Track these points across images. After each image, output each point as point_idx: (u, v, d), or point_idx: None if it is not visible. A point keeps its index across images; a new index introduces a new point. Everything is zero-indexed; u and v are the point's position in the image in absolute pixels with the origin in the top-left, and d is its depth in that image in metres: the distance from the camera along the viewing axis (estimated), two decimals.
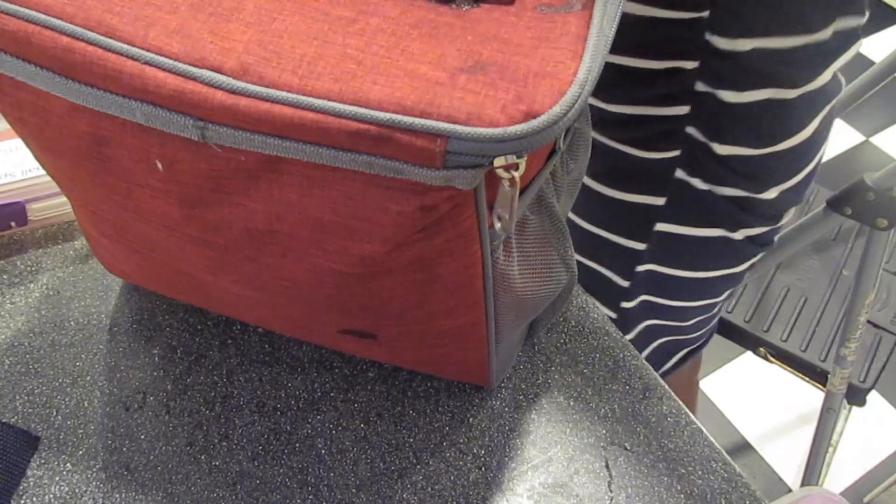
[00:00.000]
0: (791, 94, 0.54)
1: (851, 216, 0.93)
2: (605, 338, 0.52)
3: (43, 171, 0.54)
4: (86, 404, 0.48)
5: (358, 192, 0.30)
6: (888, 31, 2.30)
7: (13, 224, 0.55)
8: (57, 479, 0.45)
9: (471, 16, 0.29)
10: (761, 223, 0.64)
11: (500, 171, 0.28)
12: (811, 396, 1.55)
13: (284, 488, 0.45)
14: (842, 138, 2.04)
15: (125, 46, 0.29)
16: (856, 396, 1.13)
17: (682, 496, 0.45)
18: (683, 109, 0.56)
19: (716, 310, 0.77)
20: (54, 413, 0.48)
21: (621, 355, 0.51)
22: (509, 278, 0.38)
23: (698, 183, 0.60)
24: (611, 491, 0.45)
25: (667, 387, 0.50)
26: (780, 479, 1.44)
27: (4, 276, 0.54)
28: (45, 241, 0.56)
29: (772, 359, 1.15)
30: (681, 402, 0.49)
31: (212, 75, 0.28)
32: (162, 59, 0.29)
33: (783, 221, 0.66)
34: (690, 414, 0.49)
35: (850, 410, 1.49)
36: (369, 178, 0.30)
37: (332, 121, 0.27)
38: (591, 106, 0.58)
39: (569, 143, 0.39)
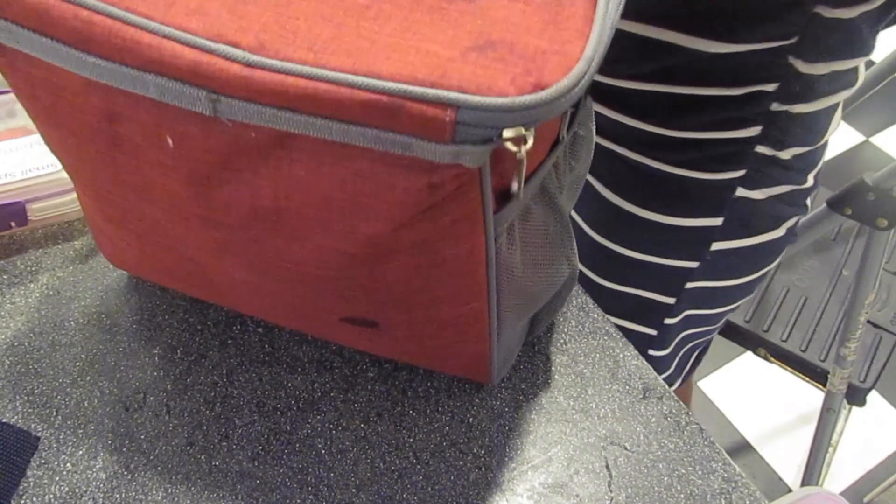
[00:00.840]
0: (847, 94, 0.56)
1: (851, 216, 0.93)
2: (605, 338, 0.52)
3: (43, 171, 0.54)
4: (86, 404, 0.48)
5: (366, 170, 0.31)
6: (888, 31, 2.30)
7: (13, 224, 0.55)
8: (57, 479, 0.45)
9: (480, 2, 0.30)
10: (798, 212, 0.65)
11: (509, 145, 0.28)
12: (811, 396, 1.55)
13: (284, 488, 0.45)
14: (842, 138, 2.04)
15: (145, 21, 0.29)
16: (856, 396, 1.13)
17: (682, 496, 0.45)
18: (755, 130, 0.56)
19: (754, 292, 0.78)
20: (54, 413, 0.48)
21: (621, 355, 0.51)
22: (512, 267, 0.38)
23: (757, 194, 0.59)
24: (611, 491, 0.45)
25: (667, 386, 0.50)
26: (780, 479, 1.44)
27: (4, 276, 0.54)
28: (45, 241, 0.56)
29: (772, 359, 1.15)
30: (681, 403, 0.49)
31: (229, 49, 0.29)
32: (180, 33, 0.29)
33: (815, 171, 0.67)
34: (690, 414, 0.49)
35: (850, 410, 1.49)
36: (378, 156, 0.30)
37: (344, 91, 0.28)
38: (645, 131, 0.58)
39: (571, 138, 0.39)
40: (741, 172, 0.58)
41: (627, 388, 0.50)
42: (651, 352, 0.73)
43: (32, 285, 0.54)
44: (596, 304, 0.54)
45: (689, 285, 0.66)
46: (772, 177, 0.59)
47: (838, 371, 1.09)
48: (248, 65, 0.29)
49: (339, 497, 0.45)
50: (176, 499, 0.44)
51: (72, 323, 0.52)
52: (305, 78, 0.28)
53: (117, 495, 0.44)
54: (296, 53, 0.29)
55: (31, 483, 0.45)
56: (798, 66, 0.52)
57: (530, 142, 0.28)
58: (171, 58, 0.29)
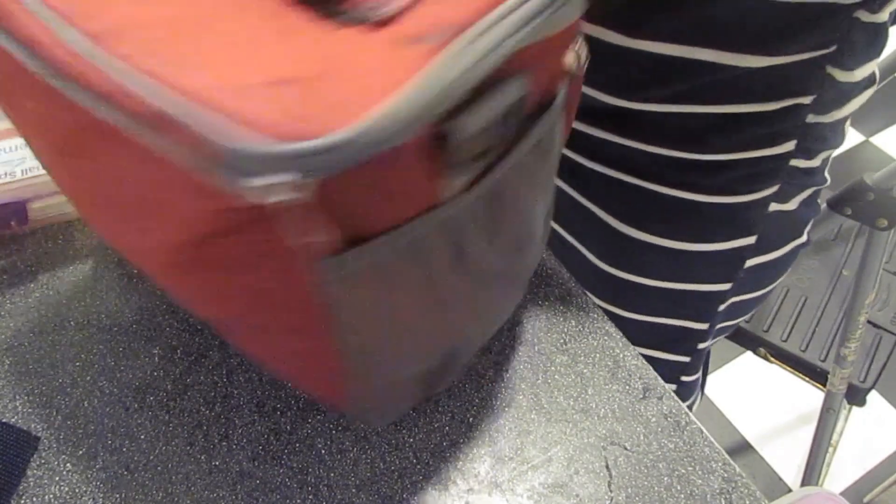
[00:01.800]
0: (871, 92, 0.55)
1: (851, 216, 0.93)
2: (605, 338, 0.52)
3: (43, 171, 0.54)
4: (86, 404, 0.48)
5: (169, 178, 0.30)
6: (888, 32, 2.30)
7: (13, 223, 0.55)
8: (57, 479, 0.45)
9: (335, 35, 0.29)
10: (817, 212, 0.64)
11: (271, 193, 0.26)
12: (811, 396, 1.55)
13: (284, 488, 0.45)
14: None
15: None
16: (856, 396, 1.13)
17: (682, 496, 0.45)
18: (791, 145, 0.54)
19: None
20: (54, 413, 0.48)
21: (621, 355, 0.51)
22: (366, 316, 0.36)
23: (789, 205, 0.58)
24: (611, 491, 0.45)
25: (666, 386, 0.50)
26: (780, 479, 1.44)
27: (4, 277, 0.54)
28: (45, 241, 0.56)
29: (772, 359, 1.16)
30: (681, 403, 0.49)
31: (68, 30, 0.29)
32: (44, 9, 0.29)
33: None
34: (690, 414, 0.49)
35: (850, 410, 1.49)
36: (177, 167, 0.29)
37: (135, 95, 0.27)
38: (669, 157, 0.56)
39: (482, 199, 0.36)
40: (775, 188, 0.57)
41: (627, 388, 0.50)
42: (683, 378, 0.71)
43: (32, 285, 0.54)
44: (596, 305, 0.54)
45: (722, 307, 0.65)
46: (801, 184, 0.58)
47: (838, 371, 1.09)
48: (78, 52, 0.29)
49: (339, 497, 0.45)
50: (176, 499, 0.44)
51: (72, 323, 0.52)
52: (111, 74, 0.28)
53: (117, 495, 0.44)
54: (121, 49, 0.28)
55: (31, 483, 0.45)
56: (836, 74, 0.50)
57: (295, 194, 0.26)
58: (19, 27, 0.29)
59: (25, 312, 0.52)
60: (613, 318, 0.64)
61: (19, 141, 0.56)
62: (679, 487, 0.46)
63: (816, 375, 1.13)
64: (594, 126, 0.58)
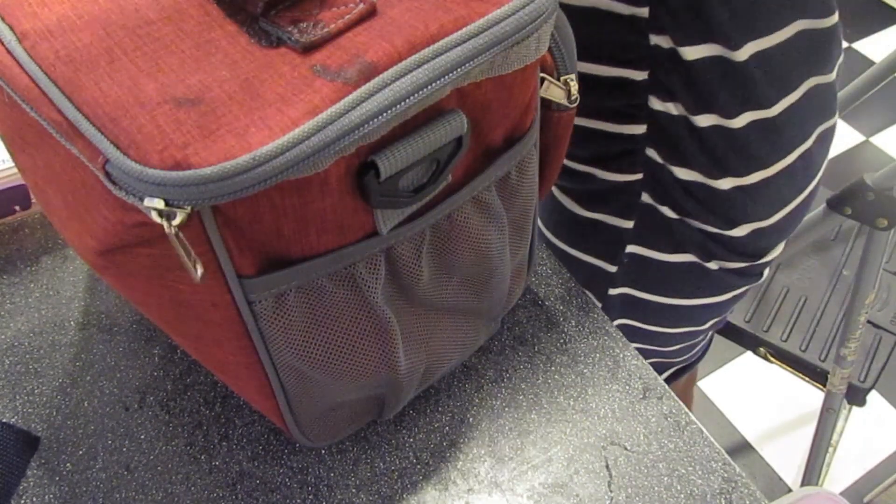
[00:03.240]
0: (771, 113, 0.52)
1: (851, 216, 0.93)
2: (605, 338, 0.52)
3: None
4: (86, 404, 0.48)
5: (93, 184, 0.30)
6: (888, 31, 2.30)
7: (17, 208, 0.56)
8: (57, 479, 0.45)
9: (255, 56, 0.29)
10: (737, 259, 0.61)
11: (154, 216, 0.26)
12: (811, 396, 1.55)
13: (284, 488, 0.45)
14: (842, 138, 2.04)
15: None
16: (856, 396, 1.13)
17: (682, 496, 0.45)
18: (640, 129, 0.54)
19: (700, 337, 0.74)
20: (54, 413, 0.48)
21: (621, 355, 0.51)
22: (293, 338, 0.35)
23: (667, 211, 0.58)
24: (611, 491, 0.45)
25: (667, 386, 0.50)
26: (780, 479, 1.44)
27: (4, 277, 0.54)
28: (45, 241, 0.56)
29: (772, 359, 1.16)
30: (681, 403, 0.49)
31: (3, 26, 0.30)
32: None
33: (768, 258, 0.63)
34: (690, 414, 0.49)
35: (850, 410, 1.49)
36: (93, 174, 0.29)
37: (47, 103, 0.28)
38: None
39: (424, 232, 0.36)
40: (638, 176, 0.57)
41: (627, 388, 0.50)
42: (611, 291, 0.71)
43: (32, 285, 0.54)
44: (596, 305, 0.54)
45: (613, 290, 0.66)
46: (675, 198, 0.57)
47: (838, 371, 1.09)
48: (7, 49, 0.29)
49: (339, 497, 0.45)
50: (176, 499, 0.44)
51: (72, 323, 0.52)
52: (28, 76, 0.28)
53: (117, 495, 0.44)
54: (40, 51, 0.29)
55: (31, 483, 0.45)
56: (662, 44, 0.49)
57: (178, 219, 0.26)
58: None
59: (25, 312, 0.52)
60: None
61: None
62: (679, 487, 0.46)
63: (816, 375, 1.13)
64: None
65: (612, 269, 0.64)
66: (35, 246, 0.56)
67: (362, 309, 0.36)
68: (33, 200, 0.56)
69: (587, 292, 0.55)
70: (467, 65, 0.29)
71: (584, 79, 0.53)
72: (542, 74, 0.38)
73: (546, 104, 0.40)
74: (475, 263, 0.40)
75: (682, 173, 0.55)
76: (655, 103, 0.52)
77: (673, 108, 0.52)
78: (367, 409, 0.45)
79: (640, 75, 0.51)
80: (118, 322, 0.52)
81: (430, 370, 0.45)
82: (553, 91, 0.38)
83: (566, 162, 0.60)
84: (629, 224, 0.60)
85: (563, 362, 0.51)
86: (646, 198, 0.58)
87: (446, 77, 0.29)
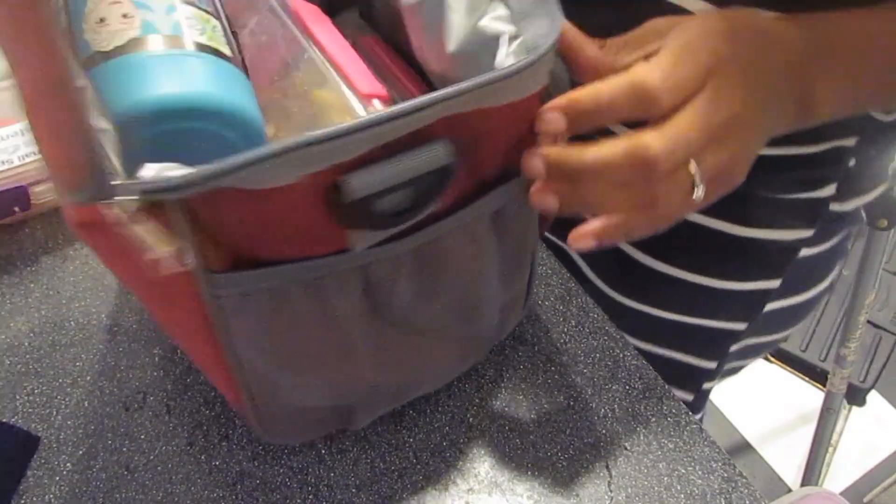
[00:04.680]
0: None
1: None
2: (605, 338, 0.52)
3: (38, 156, 0.55)
4: (86, 404, 0.48)
5: None
6: None
7: (17, 209, 0.56)
8: (57, 479, 0.45)
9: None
10: (842, 258, 0.62)
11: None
12: (811, 396, 1.55)
13: (284, 488, 0.45)
14: None
15: None
16: (856, 396, 1.13)
17: (682, 496, 0.45)
18: (831, 189, 0.53)
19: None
20: (54, 413, 0.48)
21: (621, 355, 0.51)
22: (256, 338, 0.35)
23: (820, 248, 0.57)
24: (611, 491, 0.45)
25: (667, 386, 0.50)
26: (780, 479, 1.44)
27: (4, 277, 0.54)
28: (45, 241, 0.56)
29: (772, 359, 1.16)
30: (681, 403, 0.49)
31: None
32: None
33: None
34: (690, 414, 0.49)
35: (849, 410, 1.49)
36: None
37: None
38: None
39: (408, 252, 0.36)
40: (810, 233, 0.55)
41: (627, 388, 0.50)
42: None
43: (32, 285, 0.54)
44: (596, 304, 0.54)
45: (735, 347, 0.63)
46: (834, 229, 0.57)
47: (838, 371, 1.09)
48: None
49: (339, 497, 0.45)
50: (176, 499, 0.44)
51: (72, 323, 0.52)
52: None
53: (117, 495, 0.44)
54: None
55: (31, 483, 0.45)
56: (880, 117, 0.49)
57: (133, 208, 0.27)
58: None
59: (25, 312, 0.52)
60: None
61: (14, 128, 0.56)
62: (679, 487, 0.46)
63: (816, 375, 1.13)
64: None
65: (743, 326, 0.62)
66: (35, 246, 0.56)
67: (329, 320, 0.36)
68: (33, 201, 0.56)
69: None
70: (454, 98, 0.29)
71: (780, 160, 0.51)
72: None
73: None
74: (460, 292, 0.40)
75: (852, 205, 0.56)
76: (853, 162, 0.52)
77: (869, 160, 0.53)
78: (336, 417, 0.45)
79: (850, 142, 0.51)
80: (118, 322, 0.52)
81: (404, 390, 0.45)
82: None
83: (712, 226, 0.55)
84: (776, 283, 0.58)
85: (563, 362, 0.51)
86: (804, 252, 0.57)
87: (424, 111, 0.29)
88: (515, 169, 0.36)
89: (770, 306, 0.60)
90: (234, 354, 0.36)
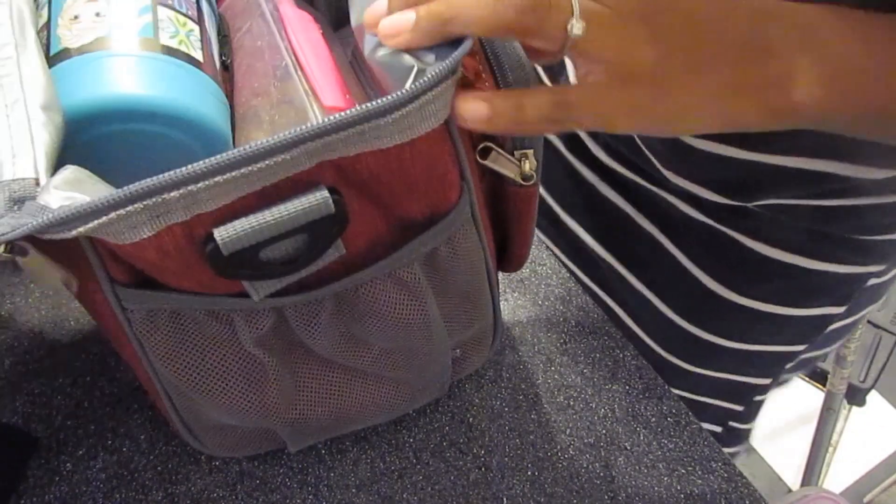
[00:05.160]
0: None
1: None
2: (605, 338, 0.52)
3: None
4: (86, 404, 0.48)
5: None
6: None
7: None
8: (57, 479, 0.45)
9: None
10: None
11: None
12: (811, 396, 1.55)
13: (284, 488, 0.45)
14: None
15: None
16: (856, 397, 1.13)
17: (682, 496, 0.45)
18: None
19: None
20: (54, 413, 0.48)
21: (621, 355, 0.51)
22: (171, 351, 0.35)
23: (887, 276, 0.57)
24: (611, 491, 0.45)
25: (667, 386, 0.50)
26: (780, 479, 1.44)
27: (4, 277, 0.54)
28: None
29: None
30: (681, 403, 0.49)
31: None
32: None
33: None
34: (690, 414, 0.49)
35: (849, 410, 1.49)
36: None
37: None
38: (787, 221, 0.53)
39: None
40: (882, 266, 0.55)
41: (627, 388, 0.50)
42: (732, 424, 0.69)
43: (32, 285, 0.54)
44: (596, 305, 0.54)
45: (790, 364, 0.63)
46: None
47: (838, 371, 1.09)
48: None
49: (339, 497, 0.45)
50: (176, 499, 0.44)
51: (72, 323, 0.52)
52: None
53: (117, 495, 0.44)
54: None
55: (31, 483, 0.45)
56: None
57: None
58: None
59: (25, 312, 0.52)
60: (674, 369, 0.62)
61: None
62: (679, 487, 0.46)
63: (816, 376, 1.13)
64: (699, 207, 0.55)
65: (802, 347, 0.61)
66: None
67: (239, 349, 0.35)
68: None
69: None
70: (318, 140, 0.26)
71: (860, 209, 0.50)
72: (488, 144, 0.35)
73: (499, 175, 0.36)
74: (394, 338, 0.38)
75: None
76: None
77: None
78: (268, 439, 0.44)
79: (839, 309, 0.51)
80: None
81: (343, 422, 0.44)
82: (502, 163, 0.35)
83: (788, 260, 0.54)
84: (842, 309, 0.58)
85: (563, 362, 0.51)
86: (872, 281, 0.57)
87: (284, 155, 0.26)
88: (442, 210, 0.34)
89: (835, 326, 0.60)
90: (153, 368, 0.36)
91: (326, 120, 0.26)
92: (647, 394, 0.49)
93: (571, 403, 0.49)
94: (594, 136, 0.59)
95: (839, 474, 1.45)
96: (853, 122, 0.36)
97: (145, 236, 0.26)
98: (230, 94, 0.38)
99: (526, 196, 0.38)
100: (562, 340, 0.52)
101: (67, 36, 0.32)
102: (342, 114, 0.26)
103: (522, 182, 0.36)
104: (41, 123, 0.28)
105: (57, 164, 0.28)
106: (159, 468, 0.46)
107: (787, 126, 0.34)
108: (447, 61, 0.27)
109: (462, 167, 0.33)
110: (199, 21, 0.37)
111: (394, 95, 0.26)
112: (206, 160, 0.25)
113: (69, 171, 0.27)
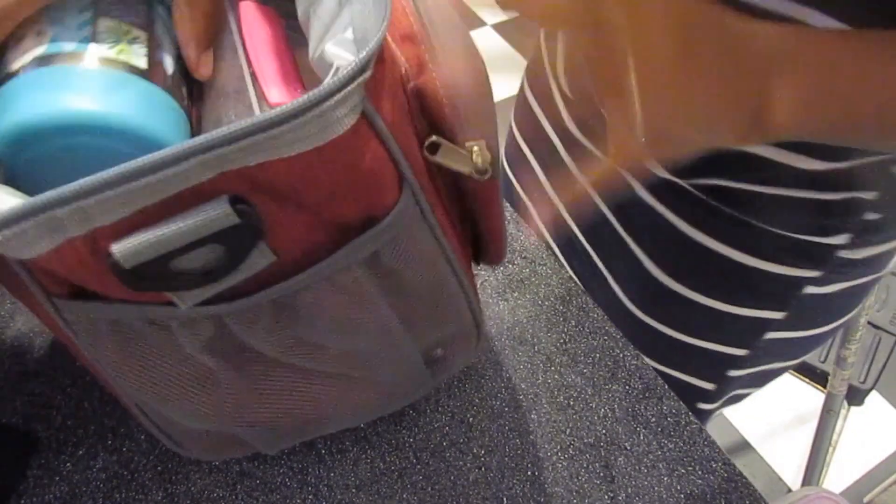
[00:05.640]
0: None
1: None
2: (605, 338, 0.52)
3: None
4: (86, 404, 0.48)
5: None
6: None
7: None
8: (57, 479, 0.45)
9: None
10: (859, 301, 0.62)
11: None
12: (811, 396, 1.55)
13: (284, 488, 0.45)
14: None
15: None
16: (856, 397, 1.13)
17: (682, 496, 0.45)
18: (843, 238, 0.53)
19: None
20: (54, 413, 0.48)
21: (621, 355, 0.51)
22: (119, 359, 0.35)
23: (828, 289, 0.57)
24: (611, 491, 0.45)
25: (667, 386, 0.50)
26: (780, 479, 1.44)
27: None
28: None
29: None
30: (681, 403, 0.49)
31: None
32: None
33: None
34: (690, 414, 0.49)
35: (848, 410, 1.49)
36: None
37: None
38: (722, 211, 0.54)
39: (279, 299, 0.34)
40: (817, 273, 0.55)
41: (627, 388, 0.50)
42: None
43: None
44: (596, 305, 0.54)
45: (734, 372, 0.64)
46: (846, 273, 0.56)
47: (839, 373, 1.09)
48: None
49: (339, 497, 0.45)
50: (176, 499, 0.44)
51: None
52: None
53: (117, 495, 0.44)
54: None
55: (31, 483, 0.45)
56: None
57: None
58: None
59: (26, 312, 0.52)
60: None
61: None
62: (679, 487, 0.46)
63: (817, 377, 1.13)
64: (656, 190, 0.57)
65: (743, 353, 0.62)
66: None
67: (183, 356, 0.35)
68: None
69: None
70: (209, 153, 0.25)
71: (792, 201, 0.51)
72: (436, 139, 0.33)
73: (456, 174, 0.35)
74: (347, 340, 0.37)
75: (863, 253, 0.55)
76: (871, 215, 0.52)
77: (883, 214, 0.52)
78: (244, 443, 0.43)
79: (868, 195, 0.50)
80: None
81: (316, 424, 0.43)
82: (454, 158, 0.34)
83: (725, 253, 0.56)
84: (780, 315, 0.59)
85: (563, 362, 0.51)
86: (810, 289, 0.57)
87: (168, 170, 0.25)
88: (378, 214, 0.33)
89: (773, 335, 0.60)
90: (108, 375, 0.35)
91: (216, 132, 0.25)
92: (647, 394, 0.50)
93: (571, 403, 0.49)
94: (567, 101, 0.60)
95: (839, 474, 1.45)
96: (829, 136, 0.36)
97: (44, 251, 0.26)
98: (202, 96, 0.38)
99: (486, 189, 0.37)
100: (562, 340, 0.52)
101: (10, 59, 0.32)
102: (234, 125, 0.25)
103: (478, 176, 0.35)
104: None
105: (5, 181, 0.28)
106: (159, 468, 0.46)
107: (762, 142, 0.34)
108: (351, 65, 0.26)
109: (400, 168, 0.32)
110: (148, 27, 0.36)
111: (289, 105, 0.25)
112: (98, 174, 0.24)
113: None
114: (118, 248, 0.26)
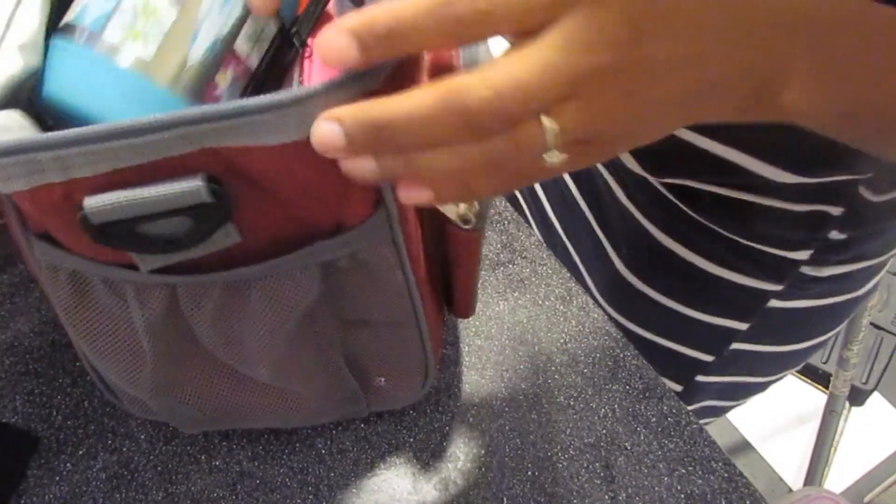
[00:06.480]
0: None
1: None
2: (605, 338, 0.52)
3: None
4: (86, 404, 0.48)
5: None
6: None
7: None
8: (57, 479, 0.45)
9: None
10: (838, 323, 0.61)
11: None
12: (811, 397, 1.55)
13: (284, 488, 0.45)
14: None
15: None
16: (857, 398, 1.13)
17: (682, 496, 0.45)
18: (805, 254, 0.53)
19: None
20: (54, 413, 0.48)
21: (621, 355, 0.51)
22: (75, 311, 0.36)
23: (797, 304, 0.57)
24: (611, 491, 0.45)
25: (667, 386, 0.50)
26: (781, 479, 1.44)
27: (4, 277, 0.54)
28: None
29: None
30: (681, 403, 0.49)
31: None
32: None
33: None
34: (690, 414, 0.49)
35: (849, 410, 1.49)
36: None
37: None
38: (690, 216, 0.54)
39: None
40: (779, 287, 0.55)
41: (627, 388, 0.50)
42: None
43: (32, 285, 0.54)
44: (596, 304, 0.54)
45: (701, 378, 0.64)
46: (815, 290, 0.56)
47: (841, 373, 1.09)
48: None
49: (339, 497, 0.45)
50: (176, 499, 0.44)
51: None
52: None
53: (117, 495, 0.44)
54: None
55: (31, 483, 0.45)
56: (866, 195, 0.48)
57: None
58: None
59: (25, 312, 0.52)
60: None
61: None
62: (679, 487, 0.46)
63: (819, 378, 1.13)
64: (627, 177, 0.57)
65: (709, 359, 0.62)
66: None
67: (128, 323, 0.35)
68: None
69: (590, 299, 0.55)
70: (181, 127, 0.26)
71: (767, 211, 0.50)
72: None
73: (442, 215, 0.35)
74: (268, 344, 0.37)
75: (827, 272, 0.55)
76: (835, 234, 0.51)
77: (848, 234, 0.52)
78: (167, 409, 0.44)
79: (835, 211, 0.50)
80: None
81: (231, 418, 0.43)
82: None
83: (690, 259, 0.56)
84: (743, 327, 0.58)
85: (563, 362, 0.51)
86: (774, 303, 0.57)
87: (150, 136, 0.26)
88: (348, 223, 0.33)
89: (739, 346, 0.60)
90: (60, 316, 0.36)
91: (201, 108, 0.26)
92: (647, 394, 0.49)
93: (571, 403, 0.49)
94: None
95: (839, 474, 1.45)
96: (837, 126, 0.31)
97: (18, 190, 0.27)
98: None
99: (466, 241, 0.37)
100: (562, 340, 0.52)
101: (69, 13, 0.32)
102: (218, 104, 0.26)
103: (461, 224, 0.34)
104: (11, 56, 0.28)
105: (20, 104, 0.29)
106: (159, 468, 0.46)
107: (762, 120, 0.30)
108: (348, 72, 0.26)
109: (379, 186, 0.32)
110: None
111: (274, 95, 0.26)
112: (83, 128, 0.26)
113: (2, 115, 0.28)
114: (90, 203, 0.28)
